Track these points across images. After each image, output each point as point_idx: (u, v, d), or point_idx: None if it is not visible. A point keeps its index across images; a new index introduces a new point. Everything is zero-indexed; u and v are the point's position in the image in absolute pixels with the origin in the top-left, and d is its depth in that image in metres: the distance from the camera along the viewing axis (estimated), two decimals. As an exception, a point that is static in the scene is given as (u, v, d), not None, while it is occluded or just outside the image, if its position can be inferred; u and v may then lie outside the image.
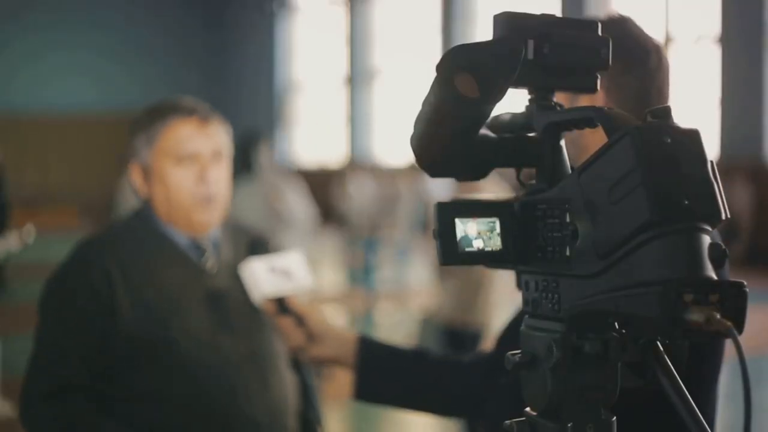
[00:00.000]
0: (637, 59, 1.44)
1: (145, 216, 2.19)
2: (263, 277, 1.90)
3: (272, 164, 6.61)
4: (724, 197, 0.86)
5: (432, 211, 0.96)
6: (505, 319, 1.73)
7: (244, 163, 5.79)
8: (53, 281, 2.11)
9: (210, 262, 2.17)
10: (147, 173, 2.16)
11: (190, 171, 2.13)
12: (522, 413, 0.98)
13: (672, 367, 0.89)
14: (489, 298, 4.70)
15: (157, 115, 2.17)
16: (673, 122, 0.87)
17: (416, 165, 1.03)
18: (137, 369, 2.03)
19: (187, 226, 2.16)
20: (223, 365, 2.07)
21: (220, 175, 2.17)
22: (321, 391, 2.37)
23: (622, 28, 1.45)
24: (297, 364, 2.25)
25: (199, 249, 2.17)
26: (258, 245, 2.24)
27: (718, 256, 0.84)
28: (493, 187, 4.44)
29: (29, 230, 9.51)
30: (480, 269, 4.60)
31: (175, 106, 2.18)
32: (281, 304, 1.84)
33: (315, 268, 2.07)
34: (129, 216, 2.25)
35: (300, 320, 1.79)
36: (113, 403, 2.02)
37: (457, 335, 4.64)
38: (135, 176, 2.19)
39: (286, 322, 1.81)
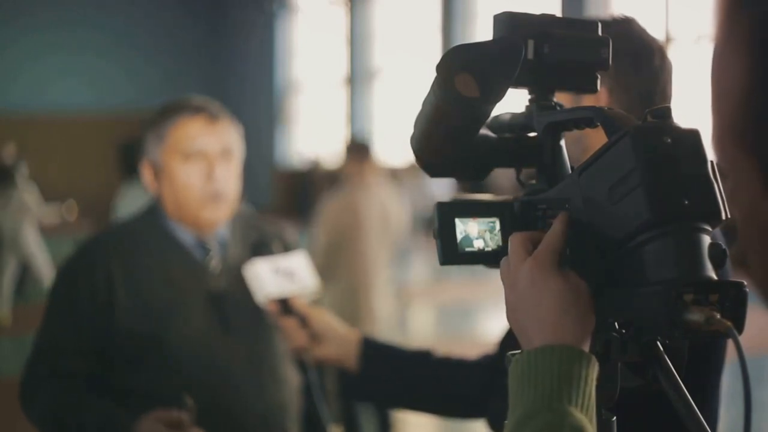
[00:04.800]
0: (640, 60, 1.44)
1: (153, 214, 2.22)
2: (267, 278, 1.90)
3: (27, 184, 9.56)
4: (724, 197, 0.86)
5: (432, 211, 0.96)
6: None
7: (127, 167, 6.34)
8: (57, 277, 2.16)
9: (214, 262, 2.18)
10: (157, 171, 2.20)
11: (198, 168, 2.15)
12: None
13: (672, 367, 0.89)
14: (371, 307, 4.69)
15: (166, 113, 2.20)
16: (673, 122, 0.87)
17: (416, 165, 1.03)
18: (134, 366, 2.05)
19: (194, 224, 2.18)
20: (220, 365, 2.08)
21: (229, 172, 2.18)
22: (330, 391, 2.36)
23: (625, 28, 1.45)
24: (303, 365, 2.25)
25: (203, 248, 2.19)
26: (261, 246, 2.25)
27: (718, 256, 0.84)
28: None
29: (70, 206, 10.14)
30: (362, 277, 4.62)
31: (184, 104, 2.21)
32: (284, 305, 1.84)
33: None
34: (138, 214, 2.27)
35: (303, 321, 1.79)
36: (111, 395, 2.04)
37: None
38: (146, 174, 2.23)
39: (290, 323, 1.81)
